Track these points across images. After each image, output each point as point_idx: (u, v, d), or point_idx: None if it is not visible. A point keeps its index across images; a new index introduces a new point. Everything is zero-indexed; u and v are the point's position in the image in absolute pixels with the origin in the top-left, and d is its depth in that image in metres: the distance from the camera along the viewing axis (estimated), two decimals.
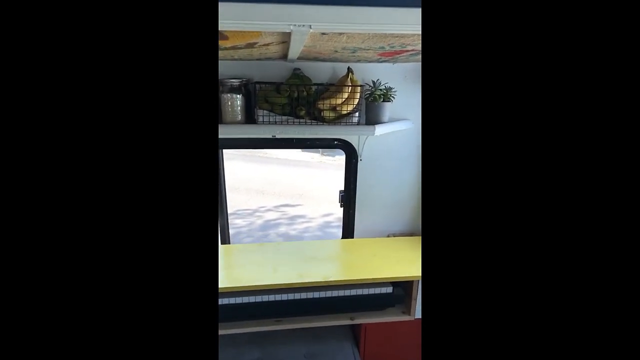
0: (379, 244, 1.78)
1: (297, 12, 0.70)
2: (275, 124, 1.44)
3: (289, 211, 5.52)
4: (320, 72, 1.58)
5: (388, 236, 1.89)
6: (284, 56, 1.35)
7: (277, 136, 1.53)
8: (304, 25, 0.73)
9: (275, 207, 5.62)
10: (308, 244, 1.92)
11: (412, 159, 1.74)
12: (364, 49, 1.11)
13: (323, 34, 0.84)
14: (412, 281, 1.49)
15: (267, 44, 0.99)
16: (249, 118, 1.49)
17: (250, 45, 1.02)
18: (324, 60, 1.48)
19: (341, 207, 1.86)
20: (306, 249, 1.73)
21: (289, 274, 1.50)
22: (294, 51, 1.09)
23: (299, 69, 1.54)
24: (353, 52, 1.18)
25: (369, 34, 0.85)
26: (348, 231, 1.89)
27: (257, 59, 1.46)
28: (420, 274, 1.52)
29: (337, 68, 1.59)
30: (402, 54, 1.23)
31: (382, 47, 1.07)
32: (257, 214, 5.34)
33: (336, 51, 1.18)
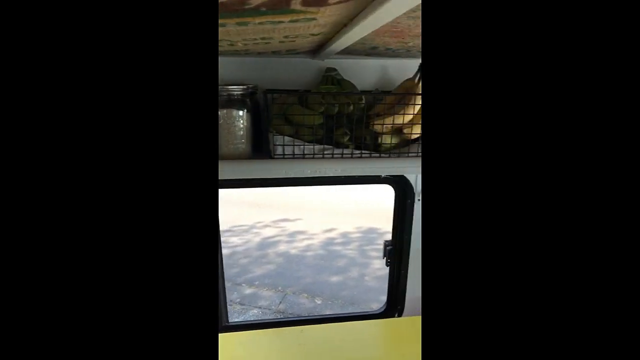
0: None
1: None
2: (304, 158, 0.88)
3: (288, 227, 4.99)
4: (362, 73, 1.01)
5: None
6: (318, 48, 0.83)
7: (309, 175, 0.94)
8: None
9: (274, 222, 5.11)
10: (340, 328, 1.30)
11: None
12: None
13: None
14: None
15: (316, 14, 0.51)
16: (258, 147, 0.95)
17: (281, 18, 0.53)
18: (366, 54, 0.94)
19: (387, 265, 1.30)
20: (339, 340, 1.21)
21: None
22: (354, 34, 0.59)
23: (335, 70, 0.96)
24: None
25: None
26: (395, 301, 1.33)
27: (273, 54, 0.91)
28: None
29: (390, 67, 1.03)
30: None
31: None
32: (254, 230, 4.84)
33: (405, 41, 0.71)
